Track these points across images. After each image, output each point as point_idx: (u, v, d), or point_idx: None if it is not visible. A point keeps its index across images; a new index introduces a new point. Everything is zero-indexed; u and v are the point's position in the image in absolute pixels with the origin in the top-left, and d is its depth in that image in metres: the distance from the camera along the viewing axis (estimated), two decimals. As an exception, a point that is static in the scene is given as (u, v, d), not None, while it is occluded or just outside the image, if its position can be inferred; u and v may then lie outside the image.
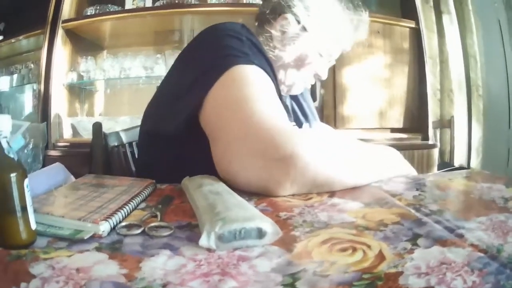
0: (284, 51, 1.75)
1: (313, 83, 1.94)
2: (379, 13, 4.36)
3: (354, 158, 1.28)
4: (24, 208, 0.77)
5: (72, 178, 1.28)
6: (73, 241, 0.80)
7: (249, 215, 0.81)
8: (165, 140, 1.46)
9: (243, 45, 1.39)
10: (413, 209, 0.97)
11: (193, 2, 4.16)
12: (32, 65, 4.66)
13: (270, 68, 1.44)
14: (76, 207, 0.93)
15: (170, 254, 0.73)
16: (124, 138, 2.19)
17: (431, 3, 4.52)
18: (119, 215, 0.91)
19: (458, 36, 4.58)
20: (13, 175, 0.76)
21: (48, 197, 1.00)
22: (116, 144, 2.14)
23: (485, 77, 4.66)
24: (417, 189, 1.21)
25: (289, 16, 1.73)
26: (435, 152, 4.12)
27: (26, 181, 0.78)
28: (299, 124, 2.02)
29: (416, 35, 4.31)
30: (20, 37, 4.41)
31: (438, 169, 1.61)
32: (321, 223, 0.89)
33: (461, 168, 2.23)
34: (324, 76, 1.89)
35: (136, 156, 2.16)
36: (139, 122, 3.64)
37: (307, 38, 1.75)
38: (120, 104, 4.68)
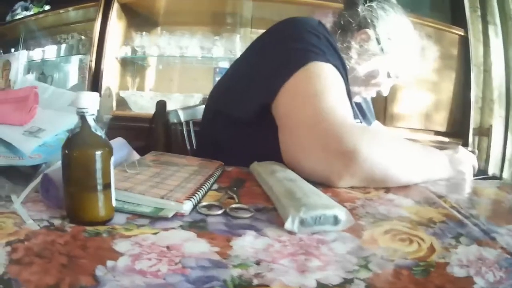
0: (359, 64, 1.79)
1: (373, 96, 2.00)
2: (431, 17, 4.37)
3: (408, 158, 1.34)
4: (107, 185, 0.80)
5: (135, 153, 1.32)
6: (154, 218, 0.84)
7: (328, 203, 0.88)
8: (235, 122, 1.52)
9: (321, 42, 1.43)
10: (456, 211, 1.05)
11: None
12: (82, 36, 4.65)
13: (343, 68, 1.49)
14: (153, 185, 0.97)
15: (255, 235, 0.79)
16: (183, 116, 2.25)
17: (479, 13, 4.45)
18: (199, 195, 0.96)
19: (502, 48, 4.50)
20: (98, 152, 0.78)
21: (120, 173, 1.02)
22: (175, 121, 2.20)
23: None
24: (458, 193, 1.29)
25: (371, 33, 1.78)
26: (475, 155, 4.07)
27: (111, 159, 0.81)
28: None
29: (464, 43, 4.32)
30: (70, 9, 4.42)
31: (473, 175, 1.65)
32: (381, 215, 0.98)
33: (494, 177, 2.28)
34: (386, 93, 1.97)
35: (193, 134, 2.27)
36: (191, 101, 3.70)
37: (381, 59, 1.81)
38: (171, 81, 4.67)
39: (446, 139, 4.27)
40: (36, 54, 4.90)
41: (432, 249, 0.78)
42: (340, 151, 1.18)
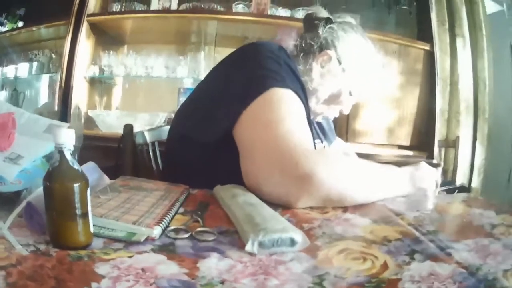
0: (321, 85, 1.82)
1: (336, 116, 2.02)
2: (396, 33, 4.47)
3: (365, 178, 1.40)
4: (85, 213, 0.86)
5: (105, 178, 1.35)
6: (128, 242, 0.90)
7: (284, 226, 0.95)
8: (200, 146, 1.57)
9: (281, 68, 1.50)
10: (413, 228, 1.10)
11: (218, 9, 4.22)
12: (52, 54, 4.68)
13: (302, 92, 1.55)
14: (125, 211, 1.03)
15: (219, 257, 0.85)
16: (148, 137, 2.29)
17: (447, 26, 4.56)
18: (167, 220, 1.02)
19: (470, 59, 4.61)
20: (76, 185, 0.85)
21: (94, 199, 1.05)
22: (141, 142, 2.25)
23: (493, 101, 4.68)
24: (417, 210, 1.32)
25: (332, 54, 1.81)
26: (439, 170, 4.10)
27: (88, 190, 0.88)
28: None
29: (430, 57, 4.38)
30: (41, 26, 4.46)
31: (440, 187, 1.68)
32: (337, 235, 1.03)
33: (461, 187, 2.33)
34: (347, 112, 2.00)
35: (159, 154, 2.31)
36: (157, 120, 3.75)
37: (343, 78, 1.84)
38: (137, 99, 4.75)
39: (410, 153, 4.34)
40: (9, 71, 4.92)
41: (385, 266, 0.83)
42: (297, 175, 1.24)
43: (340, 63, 1.82)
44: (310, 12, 1.99)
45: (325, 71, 1.82)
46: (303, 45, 1.87)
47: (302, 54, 1.85)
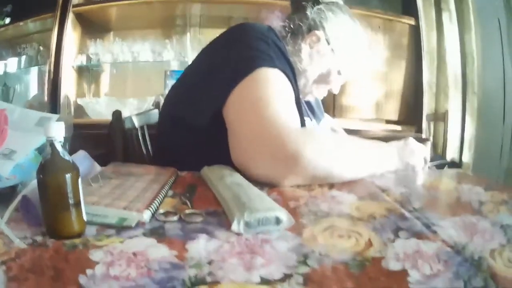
0: (310, 65, 1.85)
1: (325, 95, 2.05)
2: (380, 8, 4.46)
3: (352, 155, 1.43)
4: (78, 203, 0.88)
5: (97, 165, 1.38)
6: (120, 228, 0.92)
7: (269, 206, 0.98)
8: (191, 128, 1.58)
9: (269, 48, 1.52)
10: (399, 205, 1.12)
11: None
12: (40, 47, 4.67)
13: (291, 71, 1.57)
14: (116, 197, 1.06)
15: (207, 238, 0.87)
16: (137, 122, 2.32)
17: (432, 0, 4.56)
18: (156, 203, 1.05)
19: (457, 34, 4.60)
20: (68, 175, 0.87)
21: (86, 187, 1.04)
22: (130, 127, 2.27)
23: (482, 75, 4.66)
24: (404, 186, 1.35)
25: (321, 34, 1.83)
26: (427, 145, 4.16)
27: (79, 180, 0.90)
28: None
29: (415, 32, 4.40)
30: (28, 21, 4.45)
31: (430, 162, 1.69)
32: (323, 213, 1.05)
33: (452, 162, 2.34)
34: (336, 91, 2.03)
35: (148, 138, 2.35)
36: (145, 104, 3.76)
37: (332, 58, 1.86)
38: (126, 85, 4.75)
39: (398, 127, 4.35)
40: (-1, 66, 4.91)
41: (369, 244, 0.85)
42: (284, 155, 1.26)
43: (328, 43, 1.84)
44: None
45: (314, 52, 1.85)
46: (292, 26, 1.88)
47: (290, 35, 1.87)
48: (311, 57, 1.86)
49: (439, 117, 4.64)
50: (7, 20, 4.66)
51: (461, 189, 1.35)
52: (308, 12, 1.87)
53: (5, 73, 4.88)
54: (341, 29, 1.88)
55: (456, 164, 4.24)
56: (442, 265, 0.76)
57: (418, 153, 1.65)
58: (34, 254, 0.80)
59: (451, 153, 4.58)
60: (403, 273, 0.73)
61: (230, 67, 1.51)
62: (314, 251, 0.81)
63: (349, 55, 1.93)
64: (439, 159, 1.88)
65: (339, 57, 1.88)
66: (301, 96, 1.81)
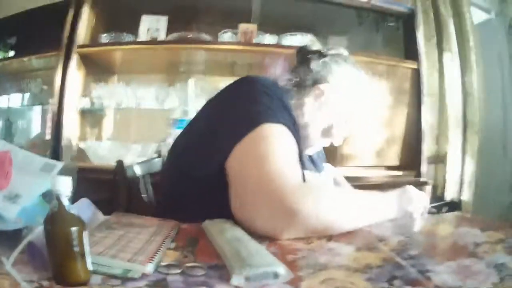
0: (313, 119, 1.87)
1: (327, 145, 2.06)
2: (384, 52, 4.52)
3: (350, 208, 1.44)
4: (83, 254, 0.90)
5: (99, 213, 1.41)
6: (124, 279, 0.93)
7: (269, 261, 1.00)
8: (193, 179, 1.60)
9: (273, 103, 1.55)
10: (395, 254, 1.14)
11: (205, 38, 4.22)
12: (43, 86, 4.67)
13: (293, 126, 1.59)
14: (120, 248, 1.07)
15: None
16: (139, 171, 2.34)
17: (435, 41, 4.58)
18: (159, 256, 1.06)
19: (458, 74, 4.61)
20: (74, 229, 0.89)
21: (90, 237, 1.03)
22: (132, 176, 2.29)
23: (483, 113, 4.66)
24: (402, 234, 1.37)
25: (325, 88, 1.86)
26: (427, 188, 4.15)
27: (85, 233, 0.92)
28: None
29: (417, 76, 4.38)
30: (33, 57, 4.44)
31: (430, 203, 1.70)
32: (321, 265, 1.05)
33: (451, 202, 2.35)
34: (338, 144, 2.04)
35: (150, 187, 2.33)
36: (149, 151, 3.75)
37: (335, 111, 1.89)
38: (129, 130, 4.73)
39: (399, 173, 4.33)
40: (2, 100, 4.90)
41: None
42: (282, 210, 1.27)
43: (332, 95, 1.86)
44: (302, 45, 2.04)
45: (317, 106, 1.87)
46: (297, 79, 1.91)
47: (295, 88, 1.90)
48: (314, 111, 1.88)
49: (440, 159, 4.63)
50: (11, 53, 4.67)
51: (458, 233, 1.39)
52: (312, 66, 1.90)
53: (9, 108, 4.88)
54: (345, 82, 1.90)
55: (455, 204, 4.25)
56: None
57: (416, 200, 1.65)
58: (40, 298, 0.80)
59: (451, 194, 4.55)
60: None
61: (234, 121, 1.53)
62: (312, 303, 0.81)
63: (352, 105, 1.94)
64: (439, 201, 1.88)
65: (342, 110, 1.91)
66: (303, 150, 1.81)
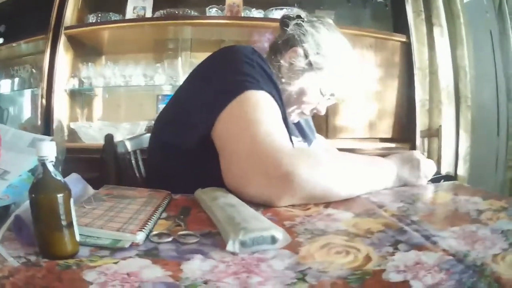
0: (289, 84, 1.83)
1: (309, 115, 2.02)
2: (372, 27, 4.49)
3: (347, 173, 1.40)
4: (70, 224, 0.87)
5: (90, 188, 1.37)
6: (114, 249, 0.91)
7: (265, 225, 0.96)
8: (180, 151, 1.57)
9: (255, 71, 1.50)
10: (396, 219, 1.12)
11: (192, 14, 4.24)
12: (33, 69, 4.66)
13: (277, 92, 1.55)
14: (109, 219, 1.04)
15: (202, 258, 0.86)
16: (129, 146, 2.32)
17: (423, 16, 4.55)
18: (150, 225, 1.03)
19: (448, 48, 4.60)
20: (60, 195, 0.86)
21: (79, 209, 1.07)
22: (123, 151, 2.26)
23: (475, 88, 4.67)
24: (401, 201, 1.34)
25: (299, 50, 1.82)
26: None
27: (71, 200, 0.88)
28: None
29: (407, 49, 4.39)
30: (21, 42, 4.44)
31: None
32: (319, 231, 1.03)
33: (447, 176, 2.32)
34: (322, 112, 1.99)
35: (141, 162, 2.32)
36: (138, 128, 3.75)
37: (311, 75, 1.85)
38: (119, 109, 4.75)
39: (392, 145, 4.33)
40: (-8, 88, 4.89)
41: (368, 259, 0.84)
42: (279, 175, 1.24)
43: (307, 57, 1.83)
44: (285, 13, 1.99)
45: (292, 68, 1.84)
46: (274, 45, 1.91)
47: (272, 54, 1.89)
48: (289, 74, 1.86)
49: (433, 133, 4.62)
50: (1, 40, 4.65)
51: (458, 200, 1.36)
52: (289, 28, 1.88)
53: (-1, 94, 4.86)
54: (322, 45, 1.86)
55: (451, 178, 4.23)
56: (444, 274, 0.75)
57: (419, 169, 1.62)
58: (28, 273, 0.78)
59: (446, 168, 4.58)
60: (405, 284, 0.73)
61: (216, 92, 1.50)
62: (312, 268, 0.80)
63: (332, 72, 1.90)
64: (435, 174, 1.86)
65: (319, 74, 1.87)
66: (288, 117, 1.78)
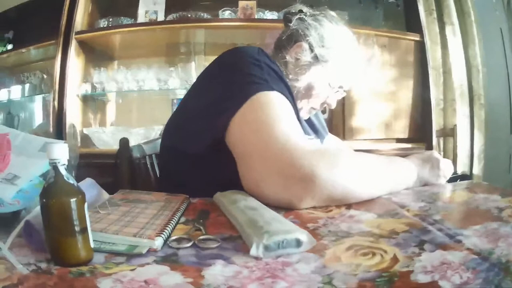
0: (297, 79, 1.81)
1: (318, 109, 2.01)
2: (385, 27, 4.48)
3: (368, 174, 1.37)
4: (84, 229, 0.84)
5: (104, 192, 1.34)
6: (130, 256, 0.88)
7: (289, 228, 0.93)
8: (189, 157, 1.56)
9: (263, 72, 1.48)
10: (420, 219, 1.10)
11: (205, 17, 4.22)
12: (44, 75, 4.68)
13: (288, 90, 1.53)
14: (125, 224, 1.01)
15: (224, 263, 0.83)
16: (147, 150, 2.29)
17: (435, 15, 4.53)
18: (168, 230, 1.00)
19: (461, 47, 4.57)
20: (73, 200, 0.83)
21: (93, 214, 1.05)
22: (138, 155, 2.23)
23: (487, 86, 4.64)
24: (422, 201, 1.32)
25: (303, 44, 1.80)
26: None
27: (85, 204, 0.86)
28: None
29: (420, 48, 4.37)
30: (31, 47, 4.45)
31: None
32: (343, 233, 1.01)
33: (463, 175, 2.30)
34: (333, 106, 1.97)
35: (156, 166, 2.27)
36: (152, 133, 3.73)
37: (318, 69, 1.82)
38: (132, 114, 4.74)
39: (409, 145, 4.31)
40: (2, 94, 4.91)
41: (395, 260, 0.82)
42: (298, 176, 1.22)
43: (312, 51, 1.80)
44: (287, 9, 1.99)
45: (298, 63, 1.81)
46: (279, 42, 1.89)
47: (278, 51, 1.87)
48: (296, 69, 1.83)
49: (448, 132, 4.61)
50: (9, 47, 4.67)
51: (478, 198, 1.34)
52: (291, 24, 1.86)
53: (9, 100, 4.91)
54: (327, 38, 1.83)
55: (467, 177, 4.21)
56: (471, 273, 0.74)
57: (439, 169, 1.61)
58: (38, 280, 0.76)
59: (461, 167, 4.56)
60: (434, 284, 0.71)
61: (226, 96, 1.48)
62: (339, 271, 0.78)
63: (338, 64, 1.87)
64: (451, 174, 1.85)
65: (326, 67, 1.84)
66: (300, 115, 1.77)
